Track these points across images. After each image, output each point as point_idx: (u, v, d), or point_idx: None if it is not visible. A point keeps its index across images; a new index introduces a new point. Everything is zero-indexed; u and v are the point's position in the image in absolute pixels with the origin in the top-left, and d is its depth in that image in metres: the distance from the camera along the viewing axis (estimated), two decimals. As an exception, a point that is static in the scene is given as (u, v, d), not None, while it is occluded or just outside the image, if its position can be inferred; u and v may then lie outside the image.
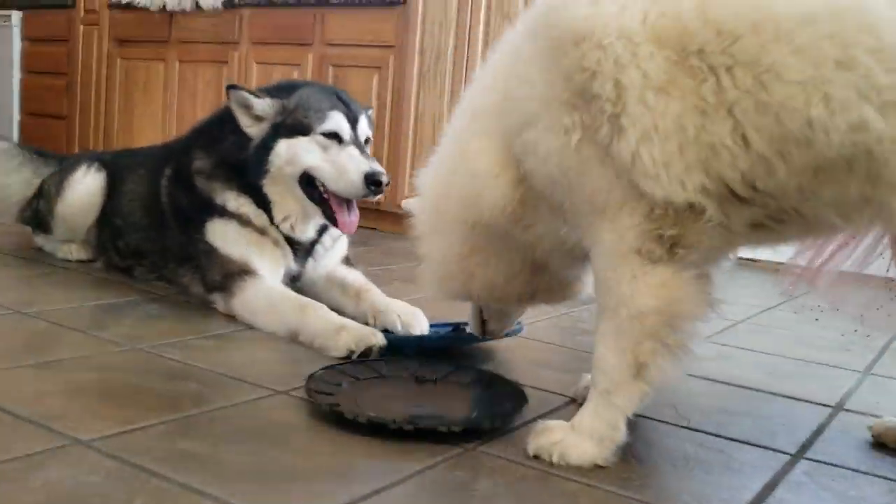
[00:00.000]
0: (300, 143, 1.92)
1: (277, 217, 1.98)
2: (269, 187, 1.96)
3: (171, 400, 1.32)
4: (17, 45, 5.36)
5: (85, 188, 2.32)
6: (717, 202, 1.11)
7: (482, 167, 1.31)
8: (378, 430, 1.23)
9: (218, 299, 1.93)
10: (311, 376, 1.41)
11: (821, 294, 2.01)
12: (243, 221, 1.98)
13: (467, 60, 3.67)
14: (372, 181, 1.87)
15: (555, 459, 1.20)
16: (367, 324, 1.86)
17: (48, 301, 1.92)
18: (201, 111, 4.51)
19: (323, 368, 1.47)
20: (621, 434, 1.21)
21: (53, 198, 2.37)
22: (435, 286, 1.47)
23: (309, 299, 1.84)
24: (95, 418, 1.20)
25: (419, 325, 1.83)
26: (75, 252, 2.40)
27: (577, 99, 1.15)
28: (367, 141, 2.00)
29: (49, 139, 5.21)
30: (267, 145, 1.93)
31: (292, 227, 2.00)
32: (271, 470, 1.09)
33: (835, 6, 1.03)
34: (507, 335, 1.74)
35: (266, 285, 1.90)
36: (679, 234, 1.14)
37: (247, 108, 1.95)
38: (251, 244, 1.97)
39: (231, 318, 1.88)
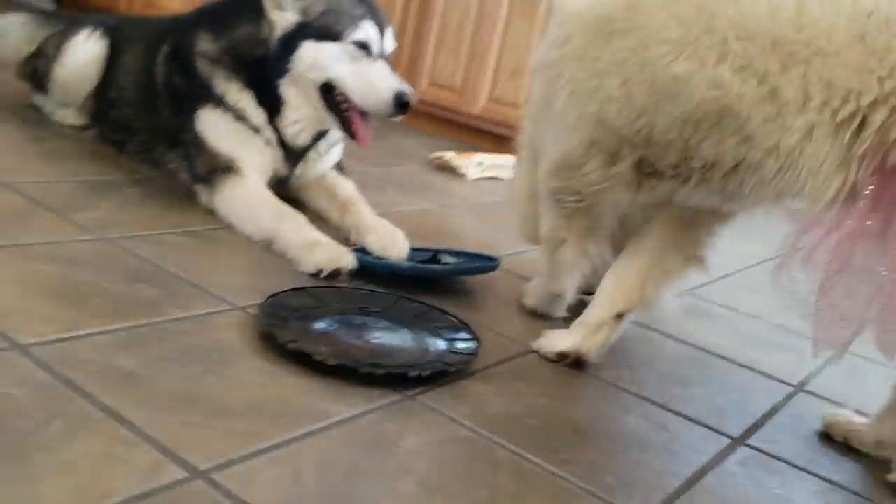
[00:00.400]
0: (329, 49, 1.84)
1: (287, 119, 1.92)
2: (287, 88, 1.89)
3: (124, 305, 1.32)
4: None
5: (84, 54, 2.26)
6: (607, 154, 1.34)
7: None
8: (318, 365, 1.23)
9: (201, 191, 1.91)
10: (261, 305, 1.38)
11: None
12: (238, 116, 1.92)
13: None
14: (401, 102, 1.81)
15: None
16: (348, 240, 1.84)
17: (31, 171, 1.90)
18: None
19: (271, 296, 1.43)
20: None
21: (51, 60, 2.31)
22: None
23: (289, 208, 1.81)
24: (41, 320, 1.21)
25: (397, 249, 1.78)
26: (71, 117, 2.37)
27: None
28: (390, 55, 1.93)
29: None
30: (291, 44, 1.85)
31: (297, 132, 1.95)
32: (202, 400, 1.10)
33: None
34: (476, 270, 1.73)
35: (250, 186, 1.87)
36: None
37: None
38: (242, 141, 1.92)
39: (211, 213, 1.86)
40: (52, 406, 1.00)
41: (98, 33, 2.29)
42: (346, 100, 1.87)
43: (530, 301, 1.70)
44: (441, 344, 1.42)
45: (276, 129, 1.94)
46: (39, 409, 0.99)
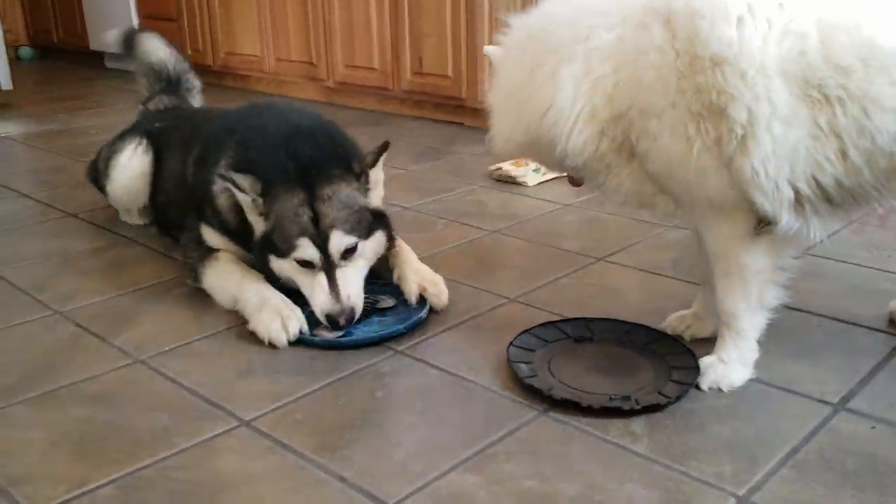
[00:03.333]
0: (283, 263, 1.83)
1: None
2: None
3: (135, 445, 1.42)
4: (126, -52, 5.47)
5: (130, 172, 2.41)
6: (810, 202, 1.43)
7: (568, 106, 1.44)
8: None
9: (189, 279, 2.05)
10: (512, 341, 1.68)
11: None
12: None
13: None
14: (331, 321, 1.76)
15: (724, 388, 1.55)
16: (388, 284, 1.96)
17: (87, 291, 2.07)
18: (290, 7, 4.49)
19: (522, 332, 1.72)
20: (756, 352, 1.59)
21: (103, 175, 2.49)
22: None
23: (253, 273, 1.92)
24: (55, 481, 1.32)
25: (439, 299, 1.89)
26: (134, 217, 2.55)
27: (705, 112, 1.37)
28: (350, 251, 1.80)
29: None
30: (263, 251, 1.86)
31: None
32: (181, 550, 1.17)
33: None
34: (405, 327, 1.78)
35: (224, 260, 1.98)
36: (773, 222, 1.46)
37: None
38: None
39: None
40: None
41: (141, 148, 2.41)
42: None
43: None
44: (662, 373, 1.59)
45: None
46: None
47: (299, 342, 1.76)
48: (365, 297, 1.84)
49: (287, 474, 1.33)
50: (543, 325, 1.78)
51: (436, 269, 2.04)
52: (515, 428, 1.45)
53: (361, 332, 1.79)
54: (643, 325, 1.77)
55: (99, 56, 6.15)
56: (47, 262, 2.29)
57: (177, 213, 2.27)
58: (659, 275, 2.09)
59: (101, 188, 2.54)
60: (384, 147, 1.87)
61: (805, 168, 1.38)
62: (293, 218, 1.78)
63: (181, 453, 1.40)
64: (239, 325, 1.86)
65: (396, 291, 1.93)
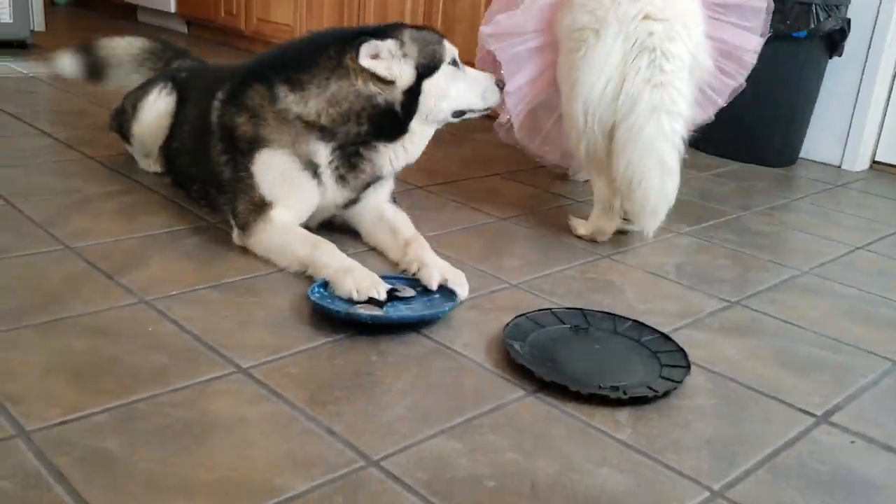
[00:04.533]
0: (440, 78, 1.99)
1: (416, 145, 2.09)
2: (416, 125, 2.03)
3: (132, 379, 1.45)
4: None
5: (155, 111, 2.45)
6: None
7: None
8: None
9: (236, 234, 2.06)
10: (508, 322, 1.72)
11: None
12: (305, 163, 2.01)
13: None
14: (499, 86, 2.13)
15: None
16: (404, 271, 1.95)
17: (98, 231, 2.10)
18: (327, -19, 4.51)
19: (518, 315, 1.76)
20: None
21: (129, 117, 2.53)
22: None
23: (321, 238, 1.96)
24: (50, 403, 1.36)
25: (462, 287, 1.86)
26: (153, 165, 2.58)
27: None
28: None
29: (200, 1, 5.43)
30: (413, 89, 1.97)
31: (392, 161, 2.07)
32: (165, 482, 1.20)
33: None
34: (434, 315, 1.75)
35: (282, 225, 1.99)
36: None
37: (378, 56, 1.93)
38: (295, 187, 2.01)
39: (256, 257, 1.99)
40: (32, 497, 1.14)
41: (167, 89, 2.47)
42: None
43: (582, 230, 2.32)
44: (653, 369, 1.62)
45: (341, 167, 2.03)
46: (20, 501, 1.13)
47: (344, 320, 1.70)
48: (386, 279, 1.86)
49: (277, 421, 1.36)
50: (541, 310, 1.81)
51: (442, 248, 2.08)
52: (503, 404, 1.48)
53: (398, 313, 1.73)
54: (639, 322, 1.79)
55: (132, 8, 6.18)
56: (62, 199, 2.33)
57: (187, 159, 2.30)
58: (661, 277, 2.11)
59: (126, 132, 2.57)
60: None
61: None
62: (420, 32, 2.00)
63: (176, 392, 1.43)
64: (247, 278, 1.90)
65: (412, 282, 1.89)
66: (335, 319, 1.70)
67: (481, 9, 3.80)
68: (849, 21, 3.24)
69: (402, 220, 2.15)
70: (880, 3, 3.28)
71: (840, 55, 3.29)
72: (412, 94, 1.97)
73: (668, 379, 1.58)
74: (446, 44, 2.02)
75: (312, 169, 2.01)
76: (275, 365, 1.54)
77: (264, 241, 1.99)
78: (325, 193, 2.06)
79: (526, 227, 2.43)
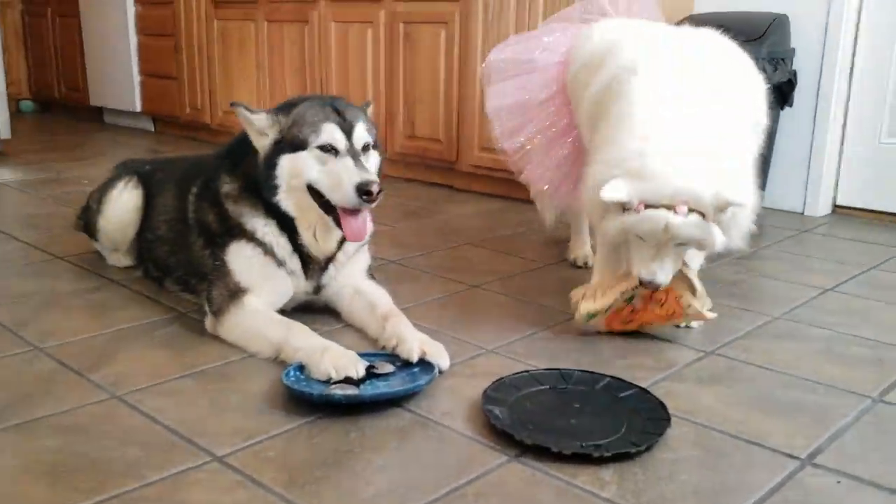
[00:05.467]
0: (300, 157, 1.96)
1: (301, 228, 2.04)
2: (285, 202, 2.01)
3: (105, 475, 1.42)
4: (130, 9, 5.63)
5: (122, 205, 2.47)
6: None
7: None
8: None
9: (209, 321, 2.05)
10: (487, 388, 1.71)
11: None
12: (267, 251, 2.06)
13: (529, 11, 3.50)
14: (363, 191, 1.89)
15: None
16: (384, 347, 1.94)
17: (69, 329, 2.08)
18: (289, 69, 4.61)
19: (498, 379, 1.76)
20: None
21: (95, 213, 2.53)
22: None
23: (294, 321, 1.94)
24: (21, 506, 1.33)
25: (442, 359, 1.85)
26: (122, 260, 2.58)
27: None
28: (366, 147, 2.01)
29: (165, 98, 5.51)
30: (272, 161, 1.99)
31: (315, 238, 2.06)
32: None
33: None
34: (408, 391, 1.72)
35: (253, 310, 2.00)
36: None
37: (249, 124, 2.01)
38: (264, 274, 2.05)
39: (229, 346, 1.98)
40: None
41: (132, 183, 2.49)
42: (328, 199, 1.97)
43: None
44: (634, 424, 1.60)
45: (301, 252, 2.07)
46: None
47: (318, 402, 1.67)
48: (365, 356, 1.84)
49: (255, 508, 1.33)
50: (518, 374, 1.80)
51: (418, 318, 2.07)
52: (485, 472, 1.46)
53: (373, 391, 1.71)
54: (616, 378, 1.79)
55: (98, 111, 6.25)
56: (31, 300, 2.31)
57: (165, 249, 2.31)
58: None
59: (92, 229, 2.57)
60: (369, 104, 2.17)
61: None
62: (316, 111, 1.98)
63: (150, 485, 1.40)
64: (220, 365, 1.88)
65: (392, 358, 1.87)
66: (311, 402, 1.68)
67: (440, 91, 3.90)
68: (795, 73, 3.35)
69: (379, 296, 2.15)
70: (823, 54, 3.40)
71: (791, 105, 3.39)
72: (270, 167, 1.99)
73: (649, 433, 1.57)
74: (328, 129, 1.94)
75: (276, 256, 2.05)
76: (251, 450, 1.52)
77: (236, 325, 1.99)
78: (295, 279, 2.08)
79: (498, 293, 2.44)
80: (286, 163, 1.97)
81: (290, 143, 1.96)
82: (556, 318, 2.22)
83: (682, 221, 1.81)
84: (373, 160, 2.02)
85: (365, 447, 1.53)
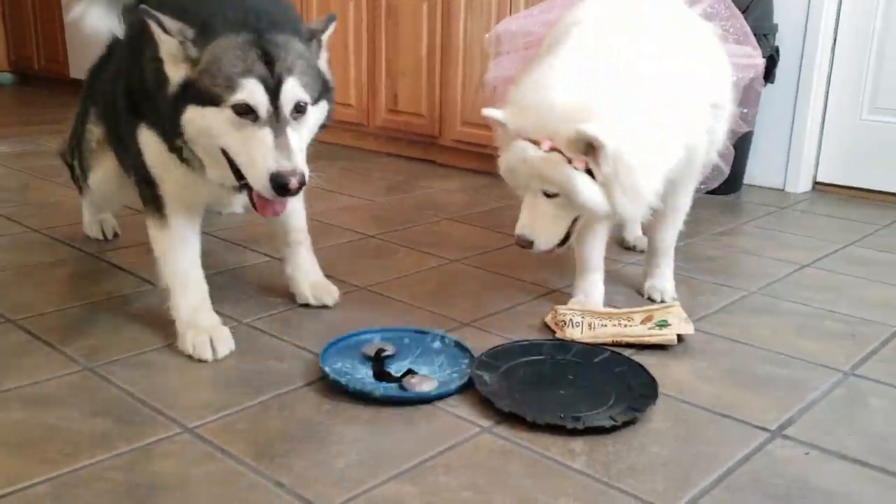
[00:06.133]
0: (209, 115, 1.53)
1: (210, 175, 1.67)
2: (191, 147, 1.63)
3: (74, 446, 1.41)
4: (110, -21, 5.53)
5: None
6: None
7: None
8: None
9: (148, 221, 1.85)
10: (479, 356, 1.73)
11: None
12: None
13: (512, -15, 3.47)
14: (277, 183, 1.50)
15: (670, 297, 2.16)
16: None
17: (43, 302, 2.06)
18: None
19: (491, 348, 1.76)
20: None
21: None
22: None
23: (195, 279, 1.84)
24: (-12, 477, 1.32)
25: (329, 299, 2.01)
26: (107, 226, 2.57)
27: None
28: (301, 107, 1.56)
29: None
30: (178, 106, 1.55)
31: (221, 178, 1.67)
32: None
33: None
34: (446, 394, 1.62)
35: (175, 231, 1.81)
36: None
37: (160, 42, 1.55)
38: (167, 167, 1.74)
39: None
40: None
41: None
42: None
43: None
44: (620, 400, 1.59)
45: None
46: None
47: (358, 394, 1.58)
48: (373, 345, 1.77)
49: (224, 479, 1.33)
50: (517, 342, 1.82)
51: (394, 293, 2.07)
52: (457, 443, 1.46)
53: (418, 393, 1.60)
54: (616, 352, 1.79)
55: (78, 84, 6.17)
56: (3, 273, 2.29)
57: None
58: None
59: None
60: (333, 18, 1.71)
61: None
62: (237, 54, 1.50)
63: (119, 456, 1.39)
64: (191, 338, 1.87)
65: (395, 334, 1.82)
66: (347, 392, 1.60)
67: (423, 65, 3.87)
68: (777, 49, 3.34)
69: (295, 218, 2.03)
70: (806, 30, 3.39)
71: (773, 82, 3.38)
72: (176, 110, 1.55)
73: (632, 409, 1.56)
74: (247, 88, 1.50)
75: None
76: (222, 422, 1.51)
77: (159, 246, 1.84)
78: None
79: (476, 268, 2.44)
80: (194, 117, 1.54)
81: (201, 93, 1.51)
82: (534, 293, 2.22)
83: (539, 155, 1.66)
84: (308, 123, 1.61)
85: (337, 419, 1.53)
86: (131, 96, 1.71)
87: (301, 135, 1.58)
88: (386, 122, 4.13)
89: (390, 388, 1.62)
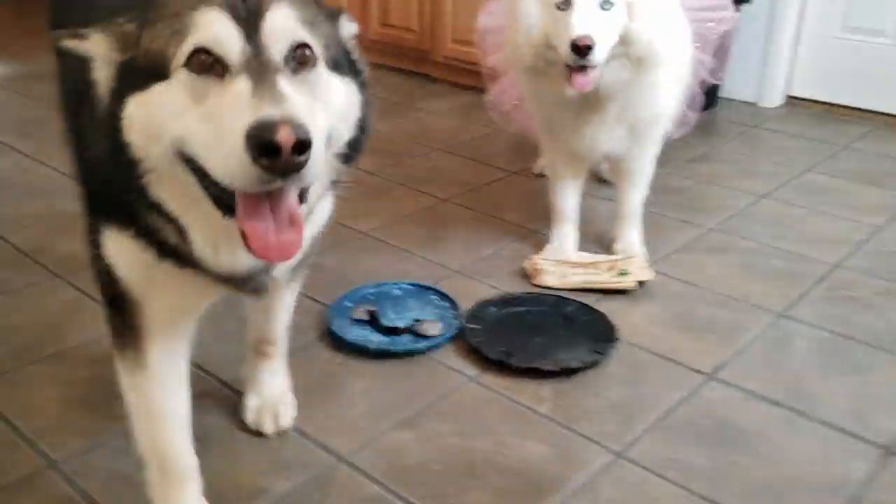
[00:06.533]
0: (156, 94, 0.98)
1: (196, 241, 1.08)
2: (156, 188, 1.04)
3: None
4: None
5: None
6: None
7: None
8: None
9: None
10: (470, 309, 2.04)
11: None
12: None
13: None
14: (258, 142, 0.87)
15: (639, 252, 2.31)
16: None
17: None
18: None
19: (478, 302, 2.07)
20: None
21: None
22: None
23: (185, 463, 1.39)
24: (72, 434, 1.64)
25: (270, 425, 1.66)
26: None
27: None
28: (299, 54, 0.99)
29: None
30: (115, 109, 1.00)
31: (218, 248, 1.09)
32: None
33: None
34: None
35: (162, 382, 1.32)
36: None
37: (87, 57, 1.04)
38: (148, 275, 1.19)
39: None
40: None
41: None
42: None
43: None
44: (580, 344, 1.90)
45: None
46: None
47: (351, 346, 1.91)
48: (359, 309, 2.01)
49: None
50: (483, 301, 2.09)
51: (389, 238, 2.35)
52: (447, 392, 1.78)
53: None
54: (582, 303, 2.08)
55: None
56: (42, 223, 2.51)
57: None
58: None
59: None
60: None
61: None
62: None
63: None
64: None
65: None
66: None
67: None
68: (755, -30, 3.46)
69: (277, 318, 1.64)
70: (784, -50, 3.50)
71: (750, 2, 3.52)
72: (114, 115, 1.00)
73: (597, 352, 1.88)
74: (206, 21, 0.96)
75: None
76: (253, 376, 1.82)
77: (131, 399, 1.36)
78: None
79: (466, 208, 2.70)
80: (136, 109, 0.99)
81: (142, 68, 0.99)
82: (518, 234, 2.49)
83: None
84: (323, 90, 1.03)
85: (348, 373, 1.85)
86: (87, 183, 1.24)
87: (311, 103, 0.98)
88: (378, 35, 4.25)
89: (398, 343, 1.94)
